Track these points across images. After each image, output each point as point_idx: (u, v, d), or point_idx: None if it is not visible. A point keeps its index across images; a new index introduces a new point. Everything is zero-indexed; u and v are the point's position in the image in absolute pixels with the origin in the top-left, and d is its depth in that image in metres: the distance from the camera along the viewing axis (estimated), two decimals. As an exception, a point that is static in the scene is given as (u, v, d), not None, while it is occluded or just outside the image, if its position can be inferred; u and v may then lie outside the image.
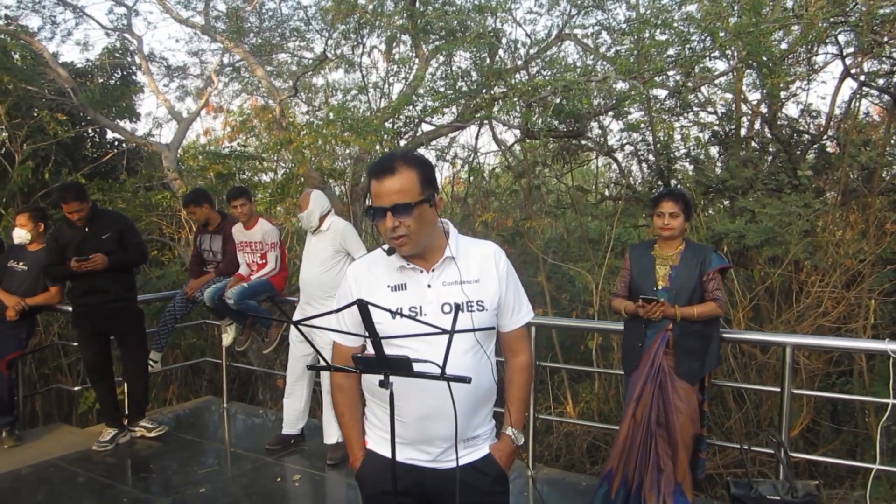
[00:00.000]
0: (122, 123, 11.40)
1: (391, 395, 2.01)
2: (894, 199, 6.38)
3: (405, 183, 2.04)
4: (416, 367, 1.96)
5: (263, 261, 5.77)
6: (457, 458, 2.12)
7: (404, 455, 2.18)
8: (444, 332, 1.90)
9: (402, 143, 8.14)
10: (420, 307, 2.15)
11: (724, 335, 4.13)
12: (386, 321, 2.08)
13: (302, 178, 8.96)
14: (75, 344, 6.79)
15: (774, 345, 5.04)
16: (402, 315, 2.08)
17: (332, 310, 2.18)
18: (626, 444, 3.88)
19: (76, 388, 6.97)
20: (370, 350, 2.22)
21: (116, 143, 11.72)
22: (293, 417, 5.31)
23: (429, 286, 2.16)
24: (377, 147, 8.08)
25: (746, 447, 4.01)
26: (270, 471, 4.89)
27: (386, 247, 2.21)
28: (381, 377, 1.99)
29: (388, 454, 2.16)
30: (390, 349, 2.04)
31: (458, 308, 1.94)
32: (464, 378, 1.92)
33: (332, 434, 5.07)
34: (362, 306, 1.88)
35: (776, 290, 5.86)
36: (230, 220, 6.01)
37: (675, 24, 6.61)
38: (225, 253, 5.92)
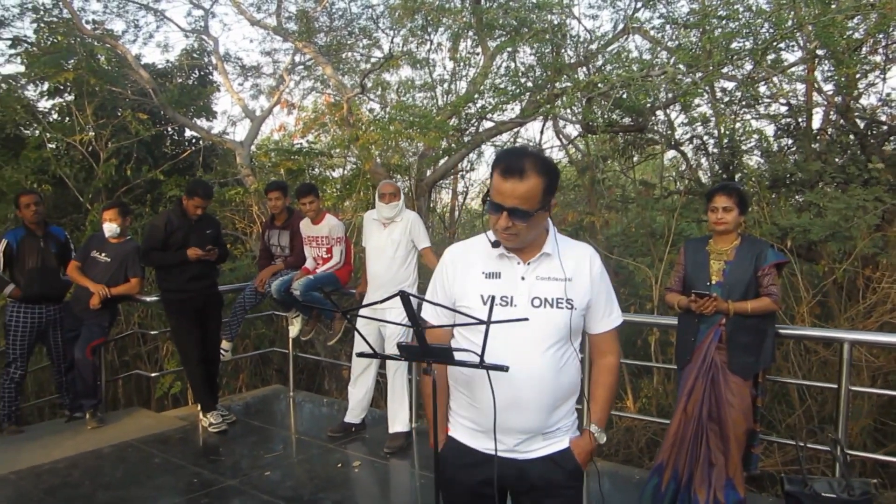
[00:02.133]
0: (198, 122, 11.89)
1: (434, 382, 2.11)
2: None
3: (529, 191, 2.05)
4: (459, 356, 2.06)
5: (329, 255, 5.96)
6: (495, 448, 2.16)
7: (482, 444, 2.24)
8: (480, 322, 1.99)
9: (465, 139, 8.22)
10: (511, 297, 2.18)
11: (780, 331, 4.08)
12: (476, 306, 2.15)
13: (368, 174, 9.19)
14: (154, 332, 7.20)
15: (832, 341, 4.94)
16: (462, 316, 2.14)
17: (383, 298, 2.30)
18: (677, 438, 3.89)
19: (154, 375, 7.38)
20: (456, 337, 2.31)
21: (194, 140, 12.20)
22: (356, 406, 5.49)
23: (522, 278, 2.20)
24: (443, 143, 8.20)
25: (802, 444, 3.97)
26: (332, 457, 5.08)
27: (492, 237, 2.23)
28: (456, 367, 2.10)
29: (468, 442, 2.28)
30: (476, 336, 2.12)
31: (493, 300, 2.02)
32: (502, 367, 2.01)
33: (396, 422, 5.23)
34: (404, 298, 1.99)
35: (843, 286, 5.71)
36: (297, 216, 6.24)
37: (742, 16, 6.48)
38: (293, 248, 6.14)
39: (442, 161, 8.88)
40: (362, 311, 3.58)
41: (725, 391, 3.78)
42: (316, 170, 11.23)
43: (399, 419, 5.26)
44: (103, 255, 5.72)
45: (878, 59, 8.07)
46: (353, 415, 5.51)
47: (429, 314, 2.36)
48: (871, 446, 5.65)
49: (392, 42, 10.62)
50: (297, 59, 12.21)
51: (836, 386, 3.99)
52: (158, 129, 10.95)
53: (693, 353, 3.88)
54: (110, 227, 5.71)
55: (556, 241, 2.25)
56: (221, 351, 6.04)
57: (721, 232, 3.92)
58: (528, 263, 2.21)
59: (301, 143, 11.12)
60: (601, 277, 2.29)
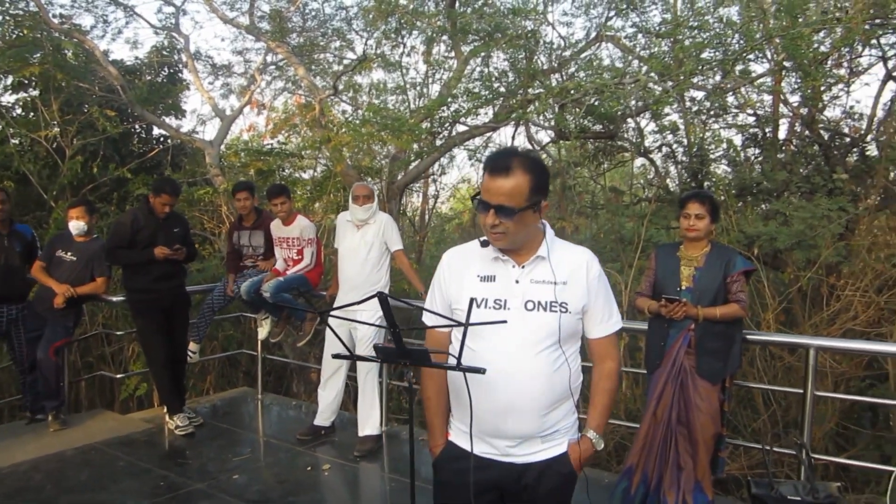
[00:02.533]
0: (167, 120, 11.72)
1: (410, 386, 2.11)
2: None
3: (516, 187, 2.06)
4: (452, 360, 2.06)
5: (300, 256, 5.92)
6: (471, 448, 2.19)
7: (479, 448, 2.24)
8: (459, 324, 2.00)
9: (438, 142, 8.23)
10: (505, 301, 2.18)
11: (748, 336, 4.15)
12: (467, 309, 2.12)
13: (339, 176, 9.15)
14: (119, 333, 7.07)
15: (798, 346, 5.02)
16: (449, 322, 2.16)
17: (360, 299, 2.30)
18: (647, 442, 3.93)
19: (119, 376, 7.25)
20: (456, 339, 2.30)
21: (162, 139, 12.04)
22: (326, 409, 5.45)
23: (517, 281, 2.20)
24: (415, 146, 8.20)
25: (768, 447, 4.04)
26: (301, 460, 5.03)
27: (483, 239, 2.25)
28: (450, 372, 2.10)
29: (466, 445, 2.26)
30: (472, 339, 2.13)
31: (472, 302, 2.03)
32: (479, 369, 2.02)
33: (366, 425, 5.22)
34: (382, 299, 1.99)
35: (807, 294, 5.83)
36: (266, 216, 6.20)
37: (713, 27, 6.60)
38: (268, 248, 6.09)
39: (413, 164, 8.87)
40: (336, 313, 3.54)
41: (694, 395, 3.83)
42: (286, 171, 11.16)
43: (370, 422, 5.24)
44: (69, 254, 5.62)
45: (842, 72, 8.27)
46: (323, 418, 5.47)
47: (428, 318, 2.35)
48: (833, 450, 5.77)
49: (366, 44, 10.59)
50: (268, 58, 12.13)
51: (801, 391, 4.07)
52: (126, 127, 10.78)
53: (663, 358, 3.93)
54: (77, 226, 5.61)
55: (553, 244, 2.25)
56: (189, 353, 5.95)
57: (692, 238, 3.97)
58: (523, 266, 2.21)
59: (272, 144, 11.04)
60: (599, 282, 2.28)
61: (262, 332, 6.33)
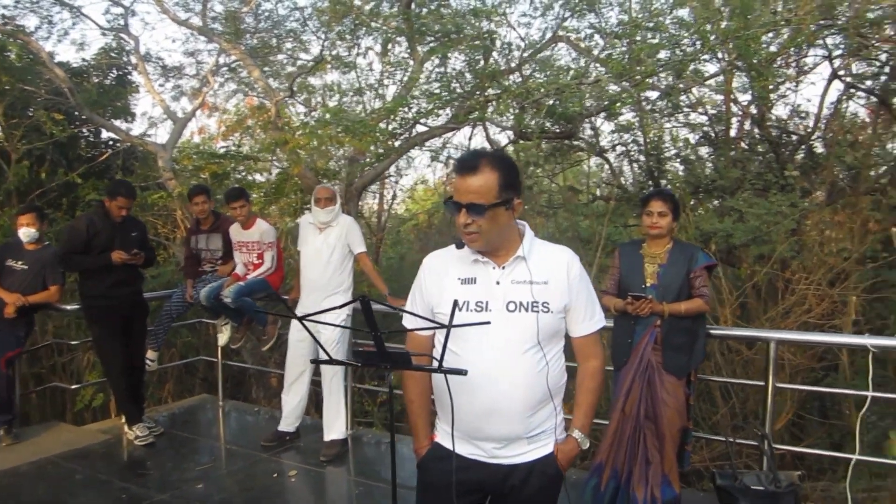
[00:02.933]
0: (117, 123, 11.45)
1: (390, 388, 2.10)
2: (879, 198, 6.49)
3: (484, 184, 2.08)
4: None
5: (260, 260, 5.84)
6: (453, 450, 2.20)
7: (466, 450, 2.24)
8: (441, 326, 2.00)
9: (397, 143, 8.21)
10: (487, 302, 2.18)
11: (711, 331, 4.23)
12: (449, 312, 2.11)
13: (296, 179, 9.06)
14: (74, 343, 6.88)
15: (759, 340, 5.14)
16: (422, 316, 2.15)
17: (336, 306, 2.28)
18: (616, 438, 3.97)
19: (74, 387, 7.05)
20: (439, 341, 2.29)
21: (111, 142, 11.75)
22: (290, 415, 5.39)
23: (497, 283, 2.20)
24: (371, 148, 8.16)
25: (731, 440, 4.14)
26: (266, 467, 4.96)
27: (458, 241, 2.25)
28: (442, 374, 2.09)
29: (450, 446, 2.24)
30: (454, 341, 2.11)
31: (455, 304, 2.02)
32: (460, 371, 2.01)
33: (332, 430, 5.17)
34: (365, 303, 1.97)
35: (763, 288, 5.97)
36: (224, 219, 6.10)
37: (667, 28, 6.72)
38: (227, 251, 6.00)
39: (370, 166, 8.82)
40: (296, 316, 3.50)
41: (661, 390, 3.88)
42: (240, 173, 10.99)
43: (335, 427, 5.20)
44: (19, 262, 5.44)
45: (790, 71, 8.50)
46: (287, 423, 5.40)
47: (409, 322, 2.34)
48: (788, 440, 5.91)
49: (323, 46, 10.49)
50: (221, 60, 11.94)
51: (761, 383, 4.17)
52: (73, 130, 10.49)
53: (630, 355, 3.97)
54: (27, 232, 5.44)
55: (532, 244, 2.26)
56: (147, 361, 5.82)
57: (655, 236, 4.03)
58: (503, 267, 2.21)
59: (227, 147, 10.87)
60: (580, 280, 2.28)
61: (223, 337, 6.21)
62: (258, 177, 11.59)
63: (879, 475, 4.64)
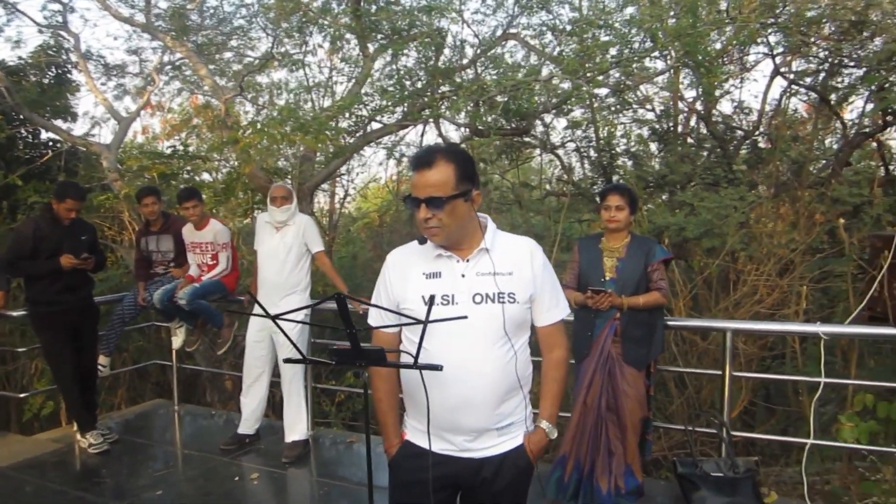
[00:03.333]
0: (57, 123, 11.08)
1: (364, 385, 2.09)
2: (822, 191, 6.72)
3: (441, 177, 2.10)
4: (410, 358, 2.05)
5: (214, 261, 5.75)
6: (430, 445, 2.20)
7: (437, 445, 2.24)
8: (417, 322, 1.99)
9: (350, 141, 8.16)
10: (452, 296, 2.19)
11: (668, 323, 4.32)
12: (418, 308, 2.14)
13: (246, 178, 8.92)
14: (22, 350, 6.66)
15: (715, 330, 5.28)
16: (403, 317, 2.13)
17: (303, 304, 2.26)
18: (578, 430, 4.03)
19: (22, 395, 6.82)
20: (405, 340, 2.31)
21: (51, 143, 11.38)
22: (250, 417, 5.32)
23: (462, 276, 2.21)
24: (323, 146, 8.10)
25: (691, 429, 4.23)
26: (227, 471, 4.89)
27: (421, 237, 2.26)
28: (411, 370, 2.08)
29: (421, 443, 2.26)
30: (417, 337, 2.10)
31: (432, 299, 2.02)
32: (436, 366, 2.02)
33: (294, 431, 5.12)
34: (340, 300, 1.96)
35: (714, 280, 6.13)
36: (175, 219, 5.98)
37: (617, 26, 6.83)
38: (179, 252, 5.88)
39: (321, 164, 8.75)
40: (251, 315, 3.45)
41: (622, 382, 3.95)
42: (188, 174, 10.77)
43: (297, 428, 5.15)
44: None
45: (733, 68, 8.72)
46: (247, 426, 5.33)
47: (374, 319, 2.34)
48: (740, 427, 6.07)
49: (273, 43, 10.34)
50: (166, 58, 11.67)
51: (718, 373, 4.28)
52: (11, 131, 10.12)
53: (591, 347, 4.03)
54: (-30, 237, 5.25)
55: (495, 236, 2.28)
56: (99, 366, 5.67)
57: (613, 230, 4.09)
58: (468, 261, 2.22)
59: (173, 146, 10.64)
60: (544, 270, 2.31)
61: (177, 341, 6.11)
62: (206, 176, 11.40)
63: (830, 458, 4.81)
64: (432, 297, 2.04)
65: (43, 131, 11.06)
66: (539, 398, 2.40)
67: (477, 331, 2.15)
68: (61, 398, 5.90)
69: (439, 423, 2.21)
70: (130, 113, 10.91)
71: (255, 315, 4.87)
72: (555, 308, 2.35)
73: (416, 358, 2.02)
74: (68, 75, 11.75)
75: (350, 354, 2.08)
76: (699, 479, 3.85)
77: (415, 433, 2.32)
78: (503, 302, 2.18)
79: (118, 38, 17.16)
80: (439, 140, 9.25)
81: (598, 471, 3.94)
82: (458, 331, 2.08)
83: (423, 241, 2.22)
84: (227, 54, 12.40)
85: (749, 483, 3.81)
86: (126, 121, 10.32)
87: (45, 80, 11.34)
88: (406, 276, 2.26)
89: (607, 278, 4.05)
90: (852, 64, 8.20)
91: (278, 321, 2.17)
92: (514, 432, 2.29)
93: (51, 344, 5.21)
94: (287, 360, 2.41)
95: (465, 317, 2.05)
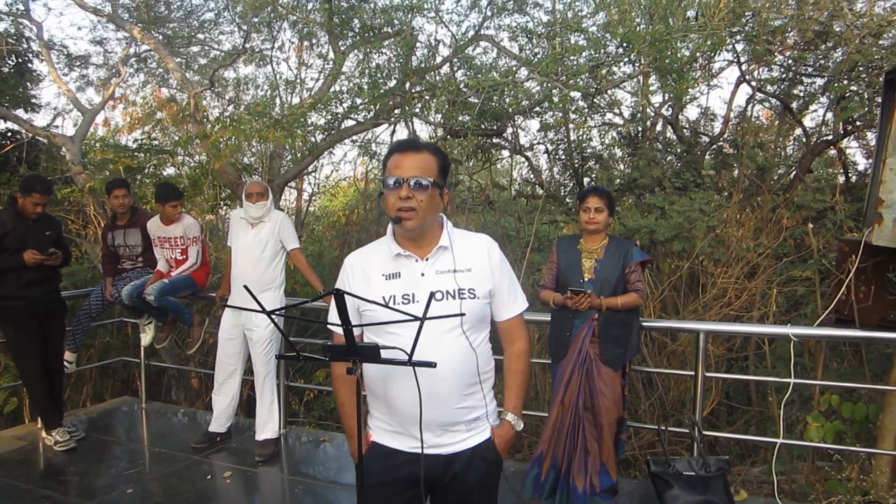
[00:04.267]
0: (17, 113, 10.81)
1: (358, 382, 2.09)
2: (788, 196, 6.90)
3: (426, 163, 2.18)
4: (387, 353, 2.06)
5: (184, 256, 5.69)
6: (421, 441, 2.21)
7: (405, 443, 2.26)
8: (415, 318, 2.00)
9: (321, 137, 8.11)
10: (413, 294, 2.22)
11: (644, 323, 4.39)
12: (378, 308, 2.17)
13: (216, 174, 8.82)
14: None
15: (688, 332, 5.39)
16: (391, 308, 2.14)
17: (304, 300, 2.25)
18: (556, 429, 4.07)
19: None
20: (367, 338, 2.31)
21: (10, 133, 11.10)
22: (221, 415, 5.26)
23: (422, 274, 2.24)
24: (298, 143, 8.05)
25: (663, 428, 4.31)
26: (199, 469, 4.83)
27: (390, 240, 2.29)
28: (378, 367, 2.08)
29: (389, 443, 2.29)
30: (383, 336, 2.17)
31: (432, 295, 2.03)
32: (430, 363, 2.03)
33: (266, 429, 5.09)
34: (338, 296, 1.96)
35: (683, 283, 6.24)
36: (143, 213, 5.90)
37: (591, 31, 6.93)
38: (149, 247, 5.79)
39: (298, 161, 8.69)
40: (265, 311, 3.44)
41: (599, 382, 4.01)
42: (152, 168, 10.58)
43: (269, 426, 5.12)
44: None
45: (697, 74, 8.87)
46: (219, 424, 5.28)
47: (333, 319, 2.32)
48: (706, 427, 6.20)
49: (247, 38, 10.22)
50: (132, 50, 11.47)
51: (690, 373, 4.37)
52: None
53: (568, 347, 4.08)
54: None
55: (453, 234, 2.32)
56: (65, 362, 5.57)
57: (592, 231, 4.15)
58: (427, 259, 2.26)
59: (138, 140, 10.46)
60: (501, 265, 2.37)
61: (146, 337, 6.01)
62: (170, 171, 11.21)
63: (796, 457, 4.94)
64: (432, 294, 2.05)
65: (2, 121, 10.78)
66: (503, 392, 2.45)
67: (440, 326, 2.17)
68: (25, 394, 5.76)
69: (406, 420, 2.23)
70: (95, 105, 10.69)
71: (250, 310, 4.82)
72: (514, 302, 2.41)
73: (410, 355, 2.03)
74: (29, 64, 11.48)
75: (344, 351, 2.08)
76: (672, 478, 3.91)
77: (380, 433, 2.34)
78: (463, 298, 2.23)
79: (82, 28, 16.75)
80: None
81: (575, 469, 3.99)
82: (426, 325, 2.06)
83: (397, 221, 2.20)
84: (194, 48, 12.25)
85: (720, 481, 3.89)
86: (90, 113, 10.12)
87: (5, 69, 11.05)
88: (366, 278, 2.28)
89: (586, 279, 4.10)
90: (814, 72, 8.41)
91: (273, 317, 2.15)
92: (481, 427, 2.33)
93: (16, 339, 5.10)
94: (280, 357, 2.40)
95: (464, 314, 2.08)
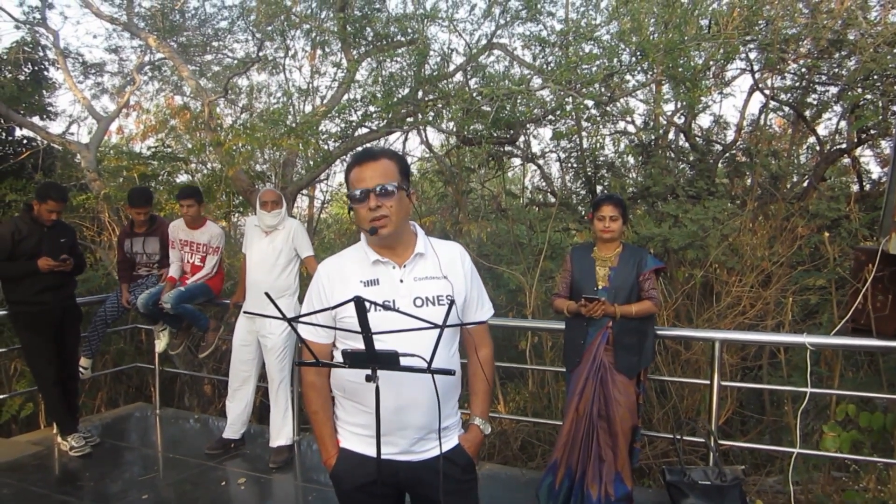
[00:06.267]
0: (34, 121, 10.91)
1: (377, 389, 2.09)
2: (803, 205, 6.87)
3: (386, 168, 2.18)
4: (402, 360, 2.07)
5: (202, 264, 5.71)
6: (440, 445, 2.23)
7: (375, 450, 2.24)
8: (435, 326, 2.00)
9: (335, 144, 8.16)
10: (393, 301, 2.22)
11: (658, 332, 4.37)
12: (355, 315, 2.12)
13: (231, 181, 8.87)
14: (1, 350, 6.54)
15: (704, 340, 5.36)
16: (393, 309, 2.15)
17: (316, 309, 2.26)
18: (570, 437, 4.07)
19: (0, 397, 6.69)
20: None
21: (26, 141, 11.20)
22: (236, 421, 5.28)
23: (401, 281, 2.25)
24: (311, 151, 8.09)
25: (679, 437, 4.29)
26: (213, 475, 4.85)
27: (365, 245, 2.28)
28: (358, 372, 2.07)
29: (362, 450, 2.28)
30: (361, 344, 2.10)
31: (452, 303, 2.05)
32: (449, 371, 2.04)
33: (280, 436, 5.10)
34: (359, 303, 1.97)
35: (696, 291, 6.22)
36: (161, 222, 5.93)
37: (605, 39, 6.95)
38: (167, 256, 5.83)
39: (312, 169, 8.73)
40: (286, 318, 3.45)
41: (613, 390, 4.00)
42: (167, 175, 10.66)
43: (283, 433, 5.14)
44: None
45: (710, 83, 8.87)
46: (233, 430, 5.29)
47: (306, 331, 2.34)
48: (720, 436, 6.16)
49: (259, 46, 10.30)
50: (147, 58, 11.57)
51: (705, 382, 4.35)
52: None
53: (583, 355, 4.07)
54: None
55: (427, 241, 2.34)
56: (80, 368, 5.60)
57: (607, 240, 4.15)
58: (404, 266, 2.27)
59: (153, 147, 10.53)
60: (472, 272, 2.41)
61: (160, 344, 6.03)
62: (183, 178, 11.28)
63: (813, 467, 4.90)
64: (452, 301, 2.07)
65: (17, 128, 10.89)
66: (469, 397, 2.47)
67: (421, 333, 2.09)
68: (41, 400, 5.79)
69: (385, 426, 2.17)
70: (110, 112, 10.79)
71: (270, 317, 4.83)
72: (481, 309, 2.44)
73: (429, 363, 2.03)
74: (45, 73, 11.59)
75: (363, 357, 2.09)
76: (687, 487, 3.90)
77: (350, 438, 2.33)
78: (443, 304, 2.24)
79: (97, 36, 16.93)
80: (421, 147, 9.31)
81: (589, 477, 3.98)
82: (404, 334, 2.08)
83: (373, 232, 2.20)
84: (208, 56, 12.35)
85: (736, 491, 3.87)
86: (106, 120, 10.21)
87: (22, 77, 11.16)
88: (344, 285, 2.27)
89: (600, 287, 4.10)
90: (827, 81, 8.39)
91: (295, 325, 2.16)
92: (450, 434, 2.36)
93: (32, 345, 5.12)
94: (299, 363, 2.40)
95: (484, 321, 2.08)
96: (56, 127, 12.39)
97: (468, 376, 2.48)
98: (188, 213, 5.52)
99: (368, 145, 8.24)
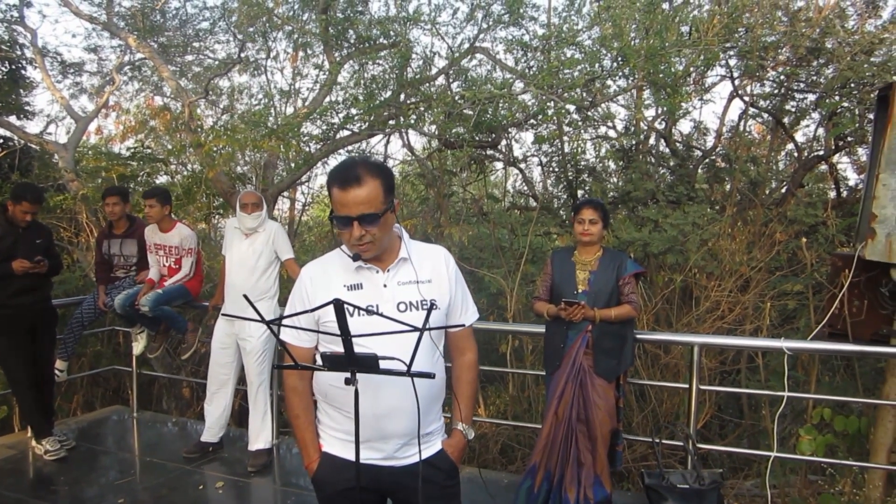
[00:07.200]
0: (10, 120, 10.78)
1: (356, 392, 2.07)
2: (781, 210, 6.94)
3: (370, 193, 2.08)
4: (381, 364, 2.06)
5: (177, 266, 5.66)
6: (419, 452, 2.22)
7: (362, 455, 2.21)
8: (415, 329, 2.00)
9: (317, 146, 8.12)
10: (377, 305, 2.21)
11: (638, 336, 4.40)
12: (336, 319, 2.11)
13: (209, 183, 8.81)
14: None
15: (683, 344, 5.40)
16: (376, 313, 2.15)
17: (299, 311, 2.25)
18: (549, 440, 4.07)
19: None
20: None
21: (2, 140, 11.05)
22: (214, 425, 5.23)
23: (385, 285, 2.24)
24: (291, 153, 8.05)
25: (658, 440, 4.31)
26: (191, 479, 4.80)
27: (347, 251, 2.25)
28: (341, 377, 2.06)
29: (344, 455, 2.26)
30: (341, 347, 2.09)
31: (432, 307, 2.04)
32: (429, 374, 2.03)
33: (258, 439, 5.06)
34: (338, 305, 1.96)
35: (676, 295, 6.27)
36: (140, 224, 5.88)
37: (586, 45, 6.98)
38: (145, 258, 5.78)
39: (293, 171, 8.70)
40: (265, 321, 3.43)
41: (592, 393, 4.02)
42: (146, 176, 10.56)
43: (262, 436, 5.10)
44: None
45: (691, 89, 8.94)
46: (211, 433, 5.25)
47: (288, 335, 2.32)
48: (699, 439, 6.21)
49: (240, 47, 10.25)
50: (126, 58, 11.47)
51: (685, 386, 4.37)
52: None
53: (562, 359, 4.08)
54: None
55: (411, 245, 2.32)
56: (56, 371, 5.53)
57: (587, 243, 4.16)
58: (388, 270, 2.26)
59: (132, 148, 10.43)
60: (457, 276, 2.39)
61: (138, 346, 5.97)
62: (163, 179, 11.19)
63: (789, 471, 4.95)
64: (432, 303, 2.06)
65: (-7, 129, 10.75)
66: (452, 401, 2.47)
67: (404, 338, 2.08)
68: (16, 403, 5.71)
69: (367, 432, 2.20)
70: (88, 112, 10.67)
71: (249, 319, 4.79)
72: (466, 313, 2.43)
73: (409, 366, 2.02)
74: (23, 71, 11.47)
75: (342, 360, 2.08)
76: (666, 491, 3.91)
77: (332, 443, 2.32)
78: (426, 308, 2.19)
79: (76, 35, 16.74)
80: (403, 150, 9.32)
81: (567, 481, 3.99)
82: (387, 339, 2.07)
83: (357, 258, 2.19)
84: (189, 57, 12.27)
85: (714, 495, 3.89)
86: (84, 120, 10.10)
87: (-3, 76, 11.05)
88: (327, 289, 2.25)
89: (580, 291, 4.11)
90: (805, 88, 8.48)
91: (274, 328, 2.15)
92: (434, 440, 2.36)
93: (6, 347, 5.04)
94: (278, 367, 2.38)
95: (463, 325, 2.08)
96: (33, 126, 12.28)
97: (452, 380, 2.46)
98: (149, 213, 5.48)
99: (350, 149, 8.26)
